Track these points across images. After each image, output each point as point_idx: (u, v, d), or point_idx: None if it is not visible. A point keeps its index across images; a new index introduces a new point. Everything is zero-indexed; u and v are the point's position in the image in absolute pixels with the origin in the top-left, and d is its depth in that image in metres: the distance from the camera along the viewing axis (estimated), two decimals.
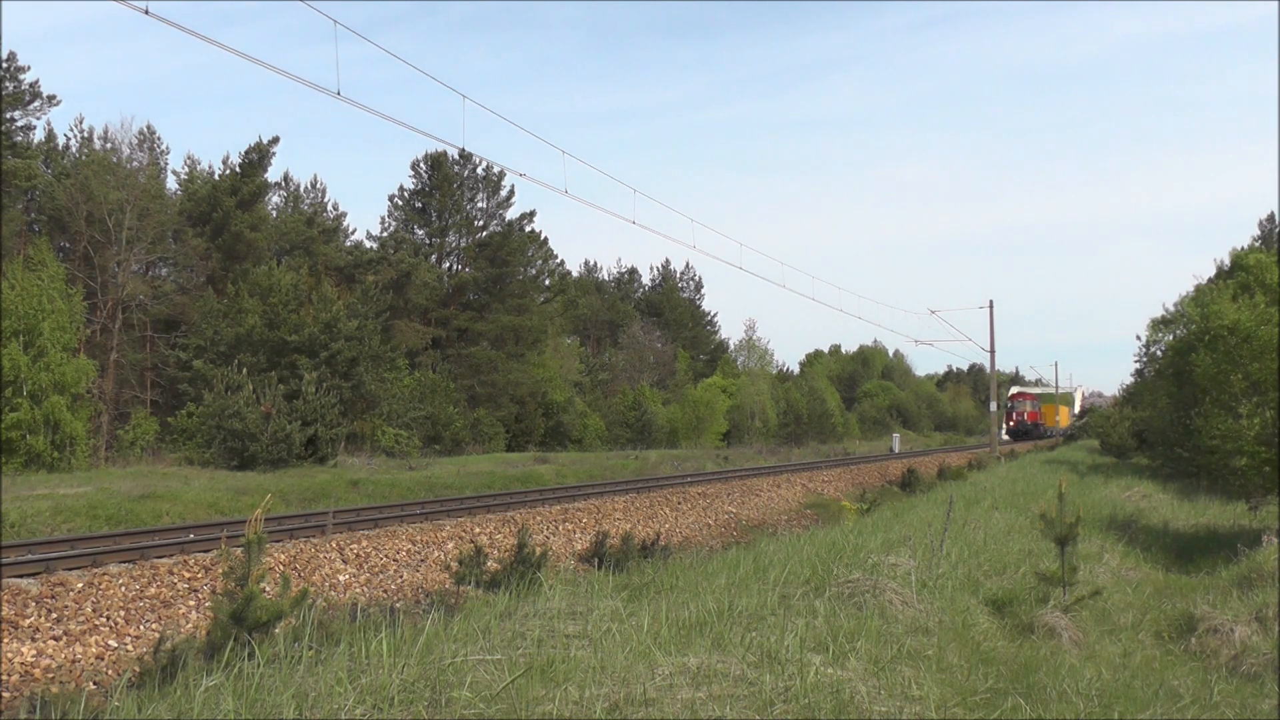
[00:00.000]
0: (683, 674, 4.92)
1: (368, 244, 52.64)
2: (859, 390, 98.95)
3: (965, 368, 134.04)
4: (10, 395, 25.99)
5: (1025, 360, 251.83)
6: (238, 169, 44.28)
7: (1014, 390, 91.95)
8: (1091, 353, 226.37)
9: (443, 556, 14.06)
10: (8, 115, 37.35)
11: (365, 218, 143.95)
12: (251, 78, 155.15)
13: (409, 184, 54.00)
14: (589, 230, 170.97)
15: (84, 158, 40.31)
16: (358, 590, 12.43)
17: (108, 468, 27.98)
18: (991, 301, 49.19)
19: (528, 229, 56.10)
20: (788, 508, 23.55)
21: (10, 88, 37.70)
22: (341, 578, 12.70)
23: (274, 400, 28.51)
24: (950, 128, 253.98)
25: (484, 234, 53.88)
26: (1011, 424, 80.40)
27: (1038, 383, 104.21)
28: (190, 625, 9.98)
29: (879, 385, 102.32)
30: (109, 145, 41.36)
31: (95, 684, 8.45)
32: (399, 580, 13.18)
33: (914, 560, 9.92)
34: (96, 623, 9.66)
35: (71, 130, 46.86)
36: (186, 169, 47.15)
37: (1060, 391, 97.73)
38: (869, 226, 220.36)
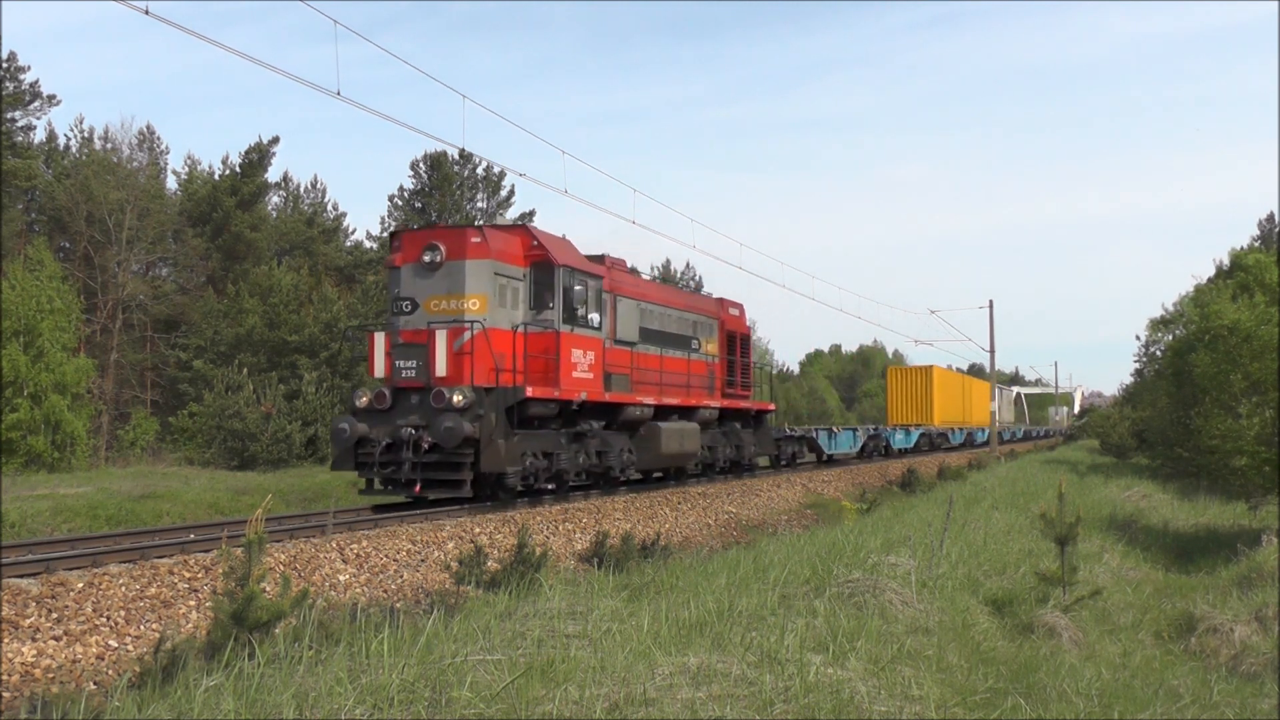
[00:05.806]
0: (683, 674, 4.91)
1: (368, 244, 52.56)
2: (859, 390, 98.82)
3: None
4: (10, 395, 25.99)
5: (1025, 360, 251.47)
6: (238, 169, 44.25)
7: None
8: (1091, 353, 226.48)
9: (443, 556, 14.04)
10: (8, 115, 37.35)
11: (365, 218, 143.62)
12: (251, 78, 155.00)
13: (409, 184, 53.87)
14: (589, 230, 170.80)
15: (84, 158, 40.31)
16: (358, 590, 12.41)
17: (108, 468, 27.98)
18: (991, 301, 49.13)
19: None
20: (788, 508, 23.51)
21: (10, 88, 37.71)
22: (341, 578, 12.69)
23: (274, 400, 28.52)
24: (950, 128, 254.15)
25: None
26: None
27: (1038, 382, 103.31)
28: (190, 625, 9.96)
29: (879, 385, 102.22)
30: (109, 145, 41.38)
31: (95, 684, 8.44)
32: (399, 580, 13.16)
33: (914, 560, 9.92)
34: (97, 623, 9.65)
35: (71, 130, 46.88)
36: (186, 169, 47.13)
37: (1062, 391, 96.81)
38: (869, 226, 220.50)
